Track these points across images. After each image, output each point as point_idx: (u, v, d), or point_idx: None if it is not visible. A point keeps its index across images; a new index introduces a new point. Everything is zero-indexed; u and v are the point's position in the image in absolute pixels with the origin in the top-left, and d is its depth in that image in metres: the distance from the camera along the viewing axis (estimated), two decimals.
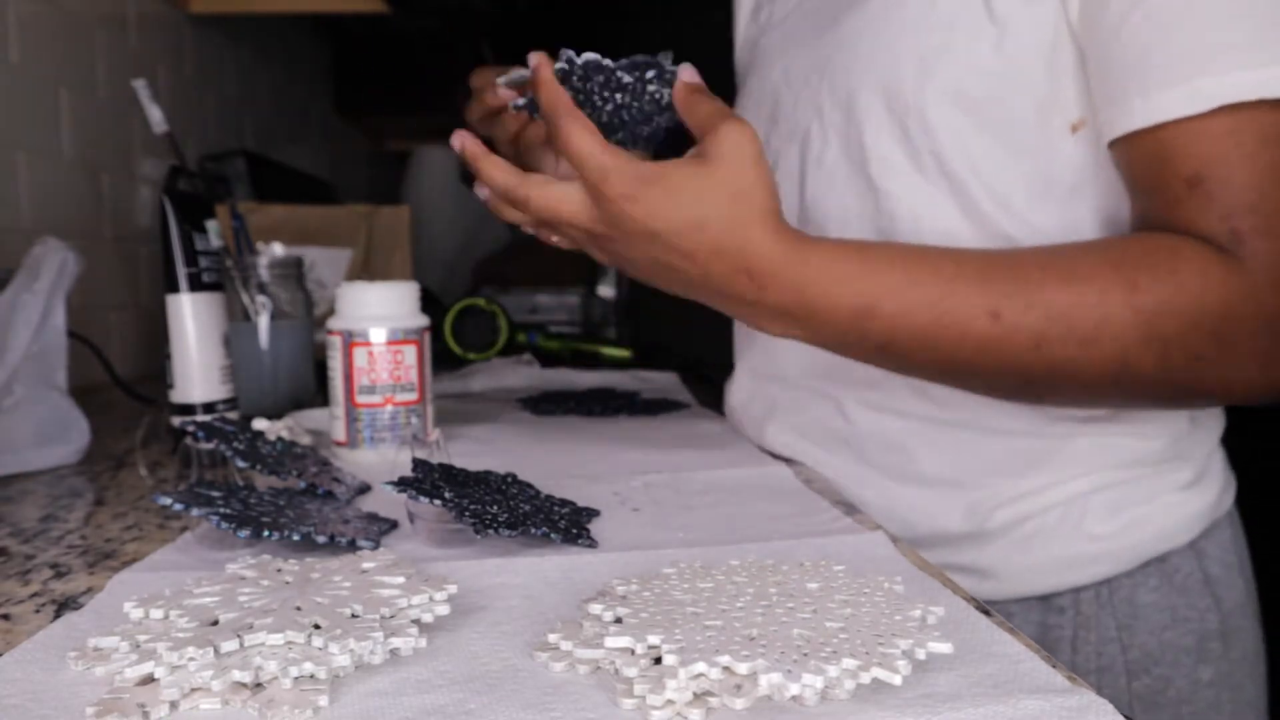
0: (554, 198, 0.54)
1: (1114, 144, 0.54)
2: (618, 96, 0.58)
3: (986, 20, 0.57)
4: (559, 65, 0.56)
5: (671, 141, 0.59)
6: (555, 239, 0.60)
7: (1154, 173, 0.52)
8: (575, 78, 0.57)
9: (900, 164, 0.61)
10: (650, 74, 0.57)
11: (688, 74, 0.56)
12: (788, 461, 0.66)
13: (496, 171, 0.56)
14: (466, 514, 0.44)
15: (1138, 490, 0.62)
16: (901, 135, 0.60)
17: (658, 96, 0.58)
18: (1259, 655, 0.66)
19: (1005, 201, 0.59)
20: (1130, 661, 0.62)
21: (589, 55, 0.56)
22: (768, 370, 0.72)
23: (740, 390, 0.76)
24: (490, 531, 0.44)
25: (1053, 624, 0.63)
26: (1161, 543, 0.62)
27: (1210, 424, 0.65)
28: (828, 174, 0.64)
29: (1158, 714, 0.62)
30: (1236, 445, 0.69)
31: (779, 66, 0.70)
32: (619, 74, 0.56)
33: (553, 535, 0.45)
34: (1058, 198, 0.59)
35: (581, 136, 0.52)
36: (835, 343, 0.55)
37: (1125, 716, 0.28)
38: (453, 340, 1.09)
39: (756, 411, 0.73)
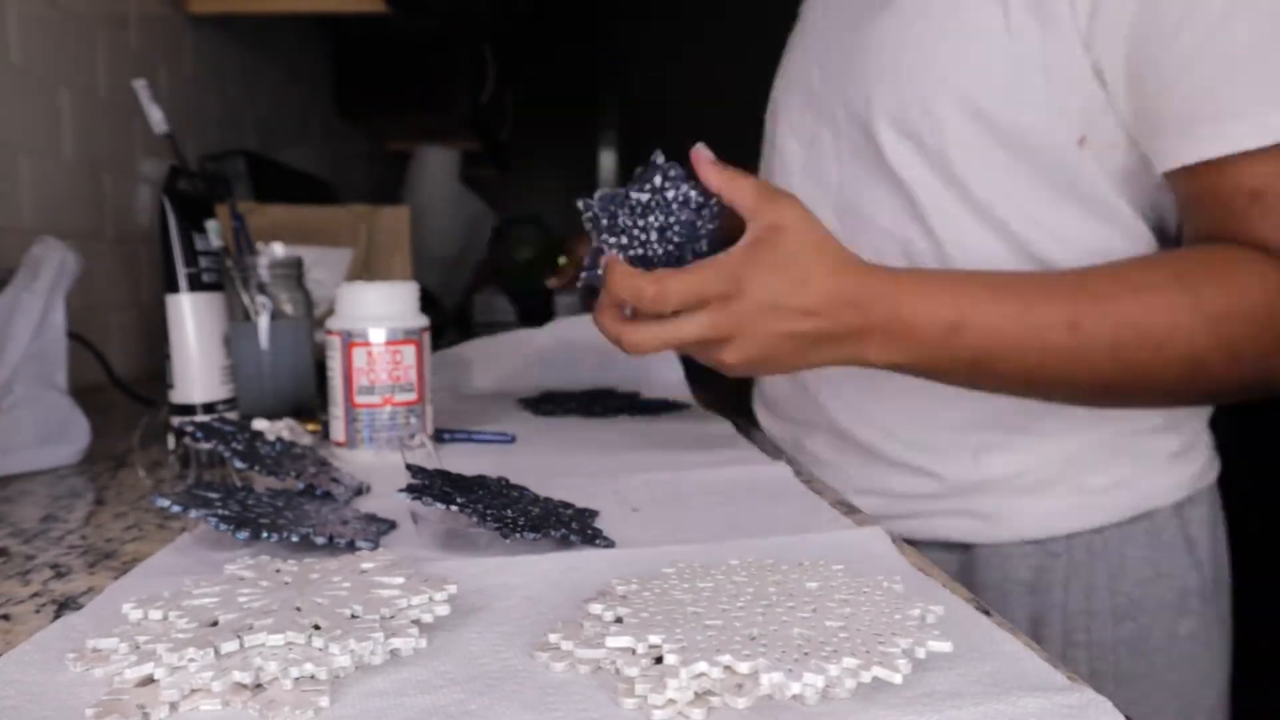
0: (676, 327, 0.56)
1: (1174, 170, 0.58)
2: (652, 219, 0.58)
3: (1004, 34, 0.60)
4: (585, 214, 0.59)
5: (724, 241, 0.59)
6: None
7: (1216, 192, 0.56)
8: (605, 219, 0.58)
9: (918, 166, 0.65)
10: (657, 180, 0.58)
11: (703, 155, 0.57)
12: (788, 461, 0.66)
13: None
14: (488, 518, 0.44)
15: (1131, 452, 0.68)
16: (917, 141, 0.65)
17: (683, 199, 0.58)
18: (1226, 619, 0.73)
19: (1022, 209, 0.63)
20: (1117, 607, 0.68)
21: (601, 192, 0.58)
22: None
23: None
24: (516, 535, 0.44)
25: (1047, 567, 0.69)
26: (1148, 501, 0.68)
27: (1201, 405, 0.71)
28: (864, 164, 0.69)
29: (1140, 660, 0.68)
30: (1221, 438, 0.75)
31: (814, 57, 0.75)
32: (632, 195, 0.58)
33: (573, 537, 0.45)
34: (1072, 206, 0.63)
35: (659, 283, 0.55)
36: (932, 363, 0.58)
37: (1125, 717, 0.28)
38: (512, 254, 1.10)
39: (781, 383, 0.79)
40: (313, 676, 0.30)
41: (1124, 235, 0.63)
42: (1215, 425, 0.74)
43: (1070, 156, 0.61)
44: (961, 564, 0.72)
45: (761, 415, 0.86)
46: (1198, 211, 0.59)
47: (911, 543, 0.65)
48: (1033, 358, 0.57)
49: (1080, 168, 0.62)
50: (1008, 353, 0.57)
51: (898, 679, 0.28)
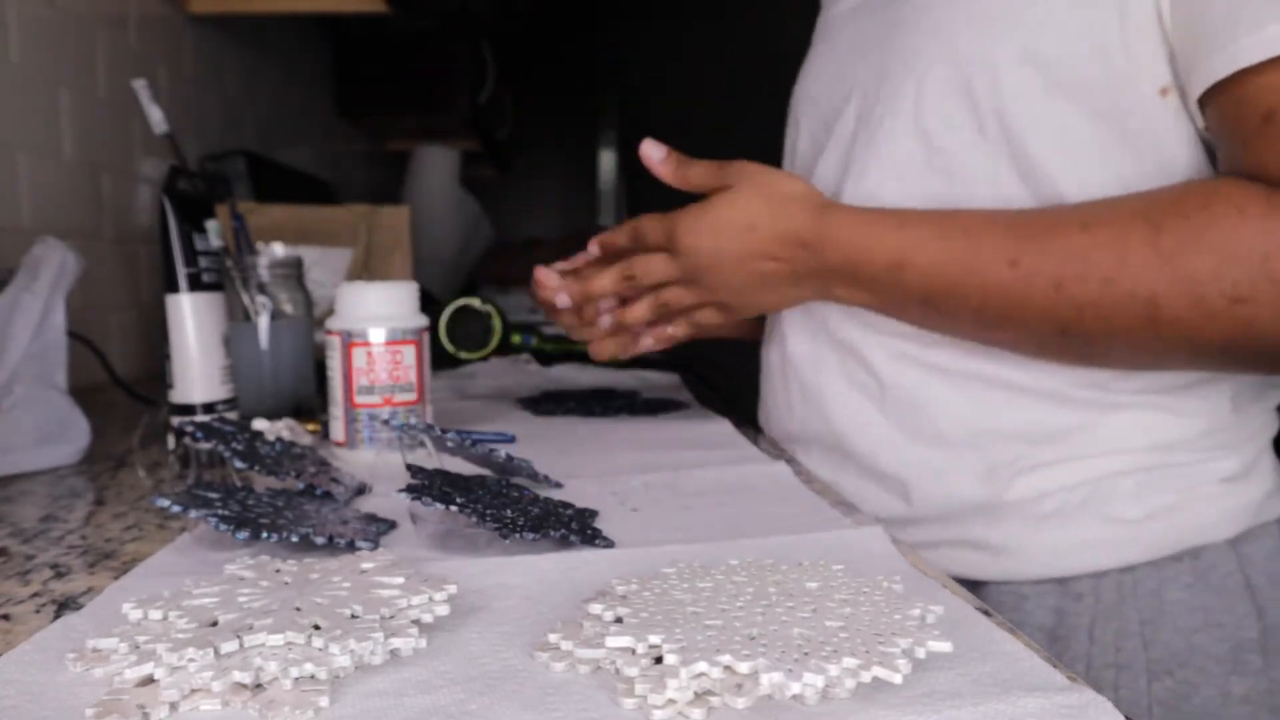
0: (649, 263, 0.67)
1: (1202, 102, 0.52)
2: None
3: None
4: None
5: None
6: (673, 325, 0.72)
7: (1233, 115, 0.51)
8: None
9: (961, 123, 0.59)
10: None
11: (652, 154, 0.67)
12: (788, 461, 0.66)
13: (603, 280, 0.70)
14: (488, 519, 0.44)
15: (1175, 477, 0.59)
16: (965, 94, 0.59)
17: (516, 496, 0.51)
18: None
19: (1076, 166, 0.57)
20: (1152, 660, 0.58)
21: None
22: (798, 340, 0.70)
23: (767, 380, 0.76)
24: (516, 535, 0.44)
25: (1069, 610, 0.60)
26: (1195, 535, 0.59)
27: (1258, 417, 0.62)
28: (885, 132, 0.63)
29: None
30: None
31: (847, 31, 0.70)
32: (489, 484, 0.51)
33: (572, 538, 0.45)
34: (1139, 164, 0.56)
35: (622, 230, 0.69)
36: (887, 302, 0.60)
37: (1125, 717, 0.28)
38: (447, 339, 1.10)
39: (780, 391, 0.73)
40: (313, 676, 0.30)
41: None
42: None
43: (1150, 108, 0.55)
44: None
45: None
46: (1223, 143, 0.52)
47: None
48: (976, 295, 0.55)
49: (1160, 122, 0.55)
50: (952, 290, 0.56)
51: (898, 679, 0.28)
